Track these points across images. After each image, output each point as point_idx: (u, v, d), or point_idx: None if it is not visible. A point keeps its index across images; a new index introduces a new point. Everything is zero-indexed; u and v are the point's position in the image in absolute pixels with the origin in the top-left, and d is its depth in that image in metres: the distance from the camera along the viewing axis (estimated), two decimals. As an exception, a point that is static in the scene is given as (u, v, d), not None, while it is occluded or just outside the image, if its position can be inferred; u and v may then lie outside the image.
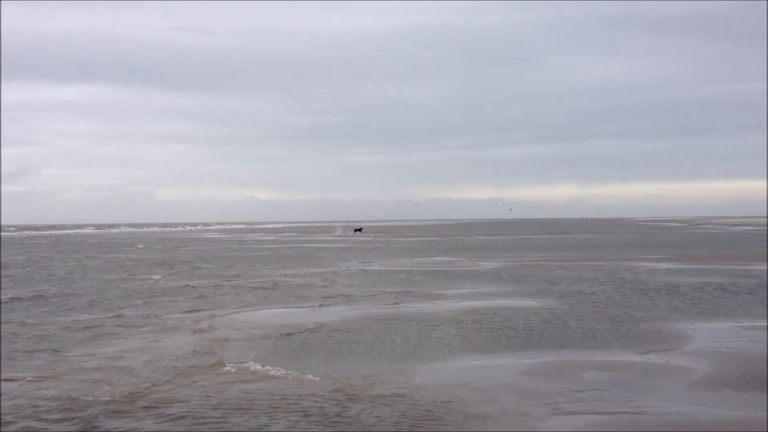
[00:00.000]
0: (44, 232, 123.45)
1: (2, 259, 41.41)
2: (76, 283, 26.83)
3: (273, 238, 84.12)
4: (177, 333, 15.05)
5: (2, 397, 9.67)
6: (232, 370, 11.27)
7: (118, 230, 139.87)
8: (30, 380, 10.70)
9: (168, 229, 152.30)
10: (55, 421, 8.72)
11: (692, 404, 9.16)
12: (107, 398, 9.62)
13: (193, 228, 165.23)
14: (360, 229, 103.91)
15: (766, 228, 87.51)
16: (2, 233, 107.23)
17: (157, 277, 28.94)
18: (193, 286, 24.71)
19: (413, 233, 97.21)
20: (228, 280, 27.01)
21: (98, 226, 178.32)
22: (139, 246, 63.21)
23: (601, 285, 23.26)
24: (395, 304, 19.23)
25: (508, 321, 15.83)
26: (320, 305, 19.25)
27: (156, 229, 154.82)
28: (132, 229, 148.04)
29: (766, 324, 15.01)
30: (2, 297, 21.37)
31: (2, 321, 16.62)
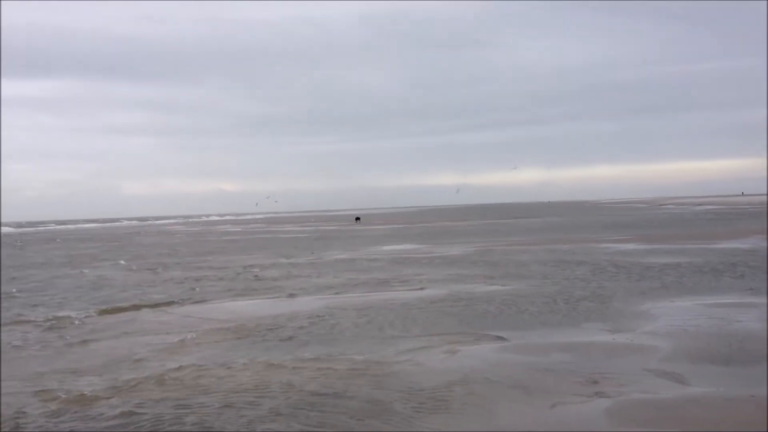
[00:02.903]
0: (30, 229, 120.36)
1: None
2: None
3: (240, 229, 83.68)
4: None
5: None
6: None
7: (89, 226, 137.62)
8: None
9: (143, 223, 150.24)
10: None
11: (655, 382, 9.44)
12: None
13: (163, 222, 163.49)
14: (358, 218, 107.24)
15: (729, 207, 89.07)
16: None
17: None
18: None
19: (381, 221, 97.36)
20: (199, 271, 26.93)
21: (60, 222, 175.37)
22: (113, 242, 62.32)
23: (566, 267, 23.62)
24: (367, 292, 19.35)
25: (476, 305, 16.06)
26: (290, 295, 19.35)
27: (127, 223, 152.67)
28: (99, 225, 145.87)
29: (727, 301, 15.44)
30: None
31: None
